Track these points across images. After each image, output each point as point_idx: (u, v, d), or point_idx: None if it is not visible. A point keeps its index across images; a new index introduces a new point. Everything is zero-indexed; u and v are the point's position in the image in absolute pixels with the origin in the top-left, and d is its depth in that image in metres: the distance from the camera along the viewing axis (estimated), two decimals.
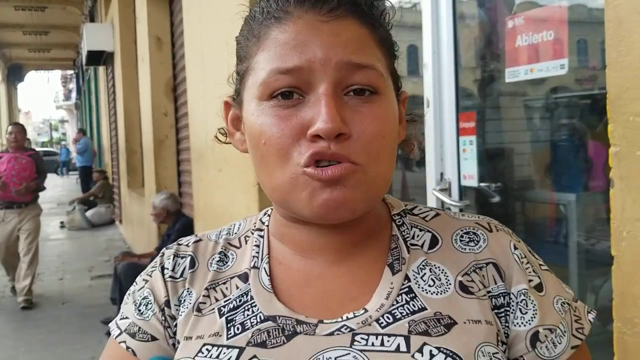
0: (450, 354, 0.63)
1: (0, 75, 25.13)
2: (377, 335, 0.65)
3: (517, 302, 0.69)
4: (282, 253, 0.74)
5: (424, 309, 0.67)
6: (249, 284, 0.72)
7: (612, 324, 1.14)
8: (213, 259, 0.77)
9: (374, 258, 0.72)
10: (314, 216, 0.66)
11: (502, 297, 0.69)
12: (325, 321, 0.67)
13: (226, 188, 3.38)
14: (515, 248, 0.73)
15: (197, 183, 4.31)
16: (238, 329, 0.68)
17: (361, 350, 0.63)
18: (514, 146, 2.54)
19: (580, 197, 2.16)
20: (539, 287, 0.71)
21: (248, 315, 0.69)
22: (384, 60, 0.69)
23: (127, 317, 0.77)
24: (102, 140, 14.68)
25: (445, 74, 2.22)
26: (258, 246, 0.76)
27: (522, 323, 0.69)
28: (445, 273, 0.70)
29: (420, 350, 0.63)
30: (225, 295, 0.72)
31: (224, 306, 0.71)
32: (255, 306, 0.70)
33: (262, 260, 0.74)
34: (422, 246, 0.73)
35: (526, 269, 0.71)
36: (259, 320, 0.68)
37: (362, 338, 0.65)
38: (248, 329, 0.68)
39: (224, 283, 0.74)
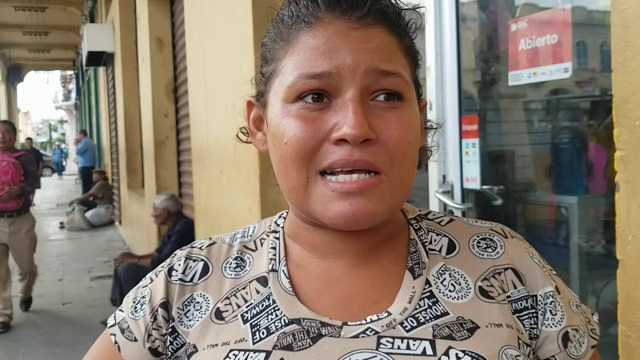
0: (476, 356, 0.64)
1: (0, 76, 25.11)
2: (402, 338, 0.65)
3: (546, 304, 0.71)
4: (300, 255, 0.75)
5: (447, 313, 0.68)
6: (270, 288, 0.72)
7: (615, 327, 1.14)
8: (227, 262, 0.77)
9: (393, 261, 0.72)
10: (332, 225, 0.66)
11: (524, 301, 0.71)
12: (349, 323, 0.67)
13: (227, 189, 3.38)
14: (532, 254, 0.75)
15: (198, 184, 4.31)
16: (263, 333, 0.68)
17: (388, 353, 0.64)
18: (516, 149, 2.54)
19: (581, 200, 2.16)
20: (557, 291, 0.73)
21: (272, 319, 0.69)
22: (408, 68, 0.70)
23: (123, 311, 0.78)
24: (101, 141, 14.68)
25: (448, 77, 2.23)
26: (274, 248, 0.76)
27: (553, 324, 0.71)
28: (465, 278, 0.71)
29: (446, 354, 0.64)
30: (246, 301, 0.72)
31: (246, 312, 0.71)
32: (278, 310, 0.70)
33: (279, 262, 0.74)
34: (440, 251, 0.74)
35: (544, 273, 0.73)
36: (283, 323, 0.68)
37: (387, 341, 0.65)
38: (273, 332, 0.68)
39: (244, 288, 0.74)
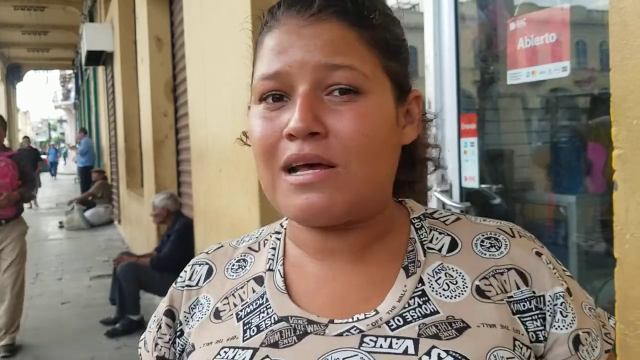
0: (460, 357, 0.63)
1: None
2: (386, 337, 0.65)
3: (555, 305, 0.69)
4: (297, 256, 0.75)
5: (436, 312, 0.67)
6: (265, 287, 0.73)
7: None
8: (230, 264, 0.79)
9: (388, 260, 0.72)
10: (296, 219, 0.68)
11: (528, 302, 0.69)
12: (335, 321, 0.67)
13: (226, 188, 3.38)
14: (540, 254, 0.73)
15: (197, 183, 4.31)
16: (254, 331, 0.69)
17: (369, 352, 0.64)
18: (514, 148, 2.54)
19: (580, 199, 2.16)
20: (568, 292, 0.71)
21: (263, 317, 0.70)
22: (373, 59, 0.68)
23: (148, 326, 0.83)
24: (101, 140, 14.68)
25: (447, 76, 2.23)
26: (274, 248, 0.77)
27: (563, 326, 0.69)
28: (463, 276, 0.70)
29: (428, 354, 0.63)
30: (242, 300, 0.74)
31: (241, 310, 0.73)
32: (270, 308, 0.71)
33: (276, 262, 0.75)
34: (440, 250, 0.73)
35: (554, 274, 0.72)
36: (273, 321, 0.69)
37: (370, 340, 0.65)
38: (263, 330, 0.69)
39: (242, 287, 0.75)
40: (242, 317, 0.72)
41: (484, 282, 0.69)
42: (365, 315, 0.67)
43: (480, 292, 0.69)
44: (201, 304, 0.76)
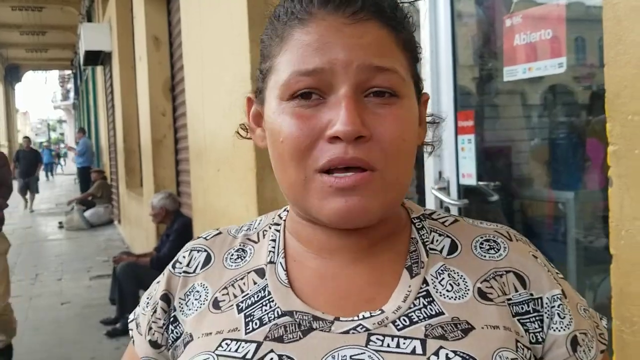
0: (467, 357, 0.63)
1: None
2: (392, 336, 0.65)
3: (553, 307, 0.70)
4: (297, 250, 0.75)
5: (442, 313, 0.67)
6: (266, 279, 0.73)
7: (610, 322, 1.14)
8: (229, 253, 0.78)
9: (391, 260, 0.72)
10: (328, 221, 0.67)
11: (526, 304, 0.70)
12: (341, 319, 0.67)
13: (225, 188, 3.38)
14: (536, 257, 0.74)
15: (195, 183, 4.31)
16: (256, 324, 0.69)
17: (376, 351, 0.64)
18: (512, 144, 2.54)
19: (578, 195, 2.16)
20: (563, 294, 0.72)
21: (266, 310, 0.70)
22: (405, 63, 0.69)
23: (140, 306, 0.82)
24: (100, 140, 14.67)
25: (444, 73, 2.22)
26: (274, 241, 0.77)
27: (561, 328, 0.70)
28: (464, 279, 0.70)
29: (436, 354, 0.63)
30: (243, 291, 0.73)
31: (242, 302, 0.72)
32: (272, 301, 0.70)
33: (278, 255, 0.75)
34: (441, 251, 0.73)
35: (548, 277, 0.72)
36: (276, 315, 0.69)
37: (377, 338, 0.65)
38: (266, 323, 0.68)
39: (242, 278, 0.75)
40: (243, 308, 0.71)
41: (485, 285, 0.70)
42: (371, 313, 0.67)
43: (482, 294, 0.69)
44: (197, 291, 0.75)
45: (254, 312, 0.70)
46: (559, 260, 2.13)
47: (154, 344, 0.78)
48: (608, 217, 1.12)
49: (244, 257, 0.77)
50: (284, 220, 0.79)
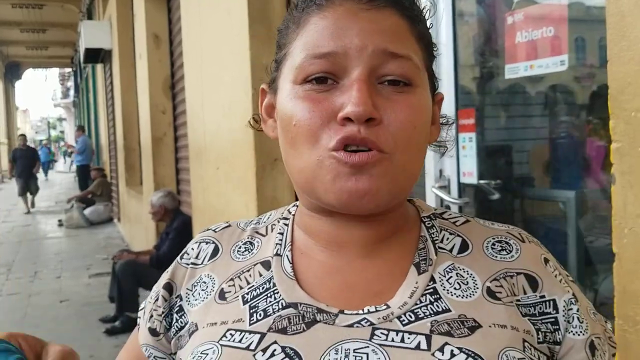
0: (472, 354, 0.62)
1: None
2: (397, 331, 0.64)
3: (570, 310, 0.69)
4: (305, 243, 0.75)
5: (448, 310, 0.66)
6: (272, 271, 0.73)
7: (613, 321, 1.13)
8: (237, 246, 0.79)
9: (399, 256, 0.72)
10: (337, 202, 0.66)
11: (536, 307, 0.69)
12: (346, 312, 0.67)
13: (224, 186, 3.37)
14: (548, 260, 0.73)
15: (195, 181, 4.30)
16: (260, 315, 0.69)
17: (380, 345, 0.63)
18: (513, 143, 2.53)
19: (579, 194, 2.15)
20: (575, 298, 0.71)
21: (270, 302, 0.70)
22: (421, 55, 0.69)
23: (149, 295, 0.83)
24: (100, 138, 14.66)
25: (444, 71, 2.21)
26: (282, 234, 0.77)
27: (580, 332, 0.69)
28: (474, 277, 0.70)
29: (441, 350, 0.62)
30: (248, 283, 0.73)
31: (247, 293, 0.72)
32: (277, 293, 0.70)
33: (284, 247, 0.75)
34: (451, 250, 0.73)
35: (560, 280, 0.72)
36: (280, 306, 0.69)
37: (382, 333, 0.64)
38: (270, 315, 0.68)
39: (248, 270, 0.75)
40: (248, 300, 0.71)
41: (494, 284, 0.69)
42: (376, 308, 0.67)
43: (490, 294, 0.68)
44: (204, 282, 0.76)
45: (258, 303, 0.70)
46: (560, 259, 2.12)
47: (152, 332, 0.79)
48: (609, 216, 1.11)
49: (251, 250, 0.77)
50: (293, 215, 0.79)
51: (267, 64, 0.78)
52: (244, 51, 2.73)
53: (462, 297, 0.68)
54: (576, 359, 0.69)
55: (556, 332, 0.69)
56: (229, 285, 0.74)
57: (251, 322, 0.68)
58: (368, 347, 0.63)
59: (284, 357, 0.63)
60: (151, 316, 0.79)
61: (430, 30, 0.73)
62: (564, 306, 0.69)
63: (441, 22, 2.22)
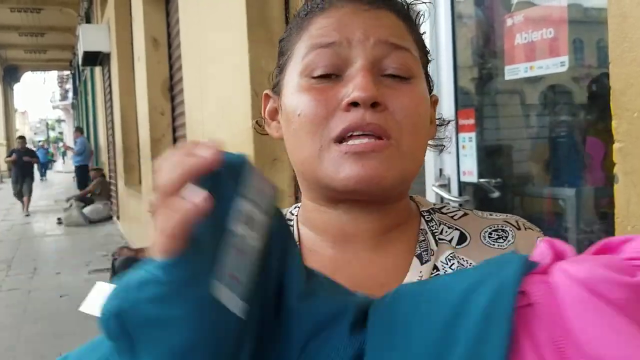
0: None
1: None
2: None
3: None
4: (312, 240, 0.75)
5: None
6: None
7: None
8: None
9: (402, 250, 0.73)
10: (343, 188, 0.66)
11: None
12: None
13: None
14: None
15: None
16: None
17: None
18: (512, 142, 2.54)
19: (579, 192, 2.16)
20: None
21: None
22: (418, 53, 0.72)
23: None
24: (98, 139, 14.65)
25: (444, 71, 2.22)
26: None
27: None
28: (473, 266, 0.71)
29: None
30: None
31: None
32: None
33: None
34: (450, 241, 0.74)
35: None
36: None
37: None
38: None
39: None
40: None
41: None
42: None
43: None
44: None
45: None
46: None
47: None
48: (608, 213, 1.12)
49: None
50: (296, 216, 0.80)
51: (265, 66, 0.80)
52: (243, 53, 2.73)
53: None
54: None
55: None
56: None
57: None
58: None
59: None
60: None
61: (423, 36, 0.76)
62: None
63: (440, 24, 2.23)
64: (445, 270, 0.71)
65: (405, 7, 0.73)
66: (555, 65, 1.76)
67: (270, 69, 0.80)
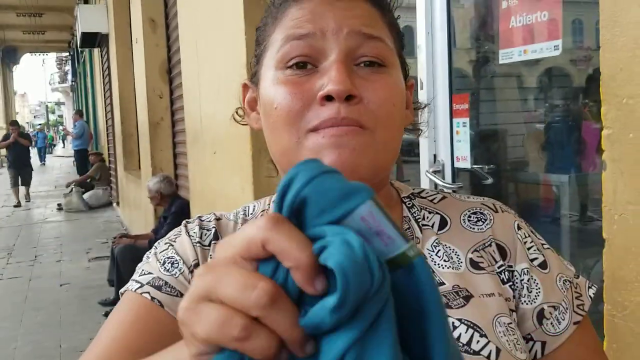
0: (471, 324, 0.65)
1: None
2: None
3: (522, 281, 0.72)
4: None
5: (442, 283, 0.69)
6: None
7: (603, 307, 1.14)
8: None
9: None
10: None
11: (504, 274, 0.72)
12: None
13: (221, 170, 3.37)
14: (519, 228, 0.75)
15: (192, 165, 4.30)
16: None
17: None
18: (506, 127, 2.53)
19: (572, 178, 2.15)
20: (543, 265, 0.73)
21: None
22: (391, 40, 0.72)
23: (150, 273, 0.75)
24: (98, 122, 14.60)
25: (439, 56, 2.20)
26: None
27: (529, 301, 0.72)
28: (456, 252, 0.73)
29: None
30: None
31: None
32: None
33: None
34: (432, 227, 0.75)
35: (529, 248, 0.74)
36: None
37: None
38: None
39: None
40: None
41: (476, 255, 0.72)
42: None
43: (474, 264, 0.71)
44: None
45: None
46: (553, 243, 2.12)
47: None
48: (601, 200, 1.12)
49: None
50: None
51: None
52: (239, 35, 2.71)
53: (451, 269, 0.70)
54: (525, 327, 0.71)
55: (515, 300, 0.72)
56: None
57: None
58: None
59: None
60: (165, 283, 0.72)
61: (398, 20, 0.76)
62: (516, 276, 0.72)
63: (436, 8, 2.20)
64: (432, 257, 0.71)
65: None
66: (549, 49, 1.74)
67: None
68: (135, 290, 0.73)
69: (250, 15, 2.68)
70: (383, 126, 0.67)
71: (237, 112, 0.83)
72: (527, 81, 2.42)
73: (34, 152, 26.93)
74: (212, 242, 0.76)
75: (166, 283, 0.73)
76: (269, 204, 0.81)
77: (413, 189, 0.81)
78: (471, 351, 0.64)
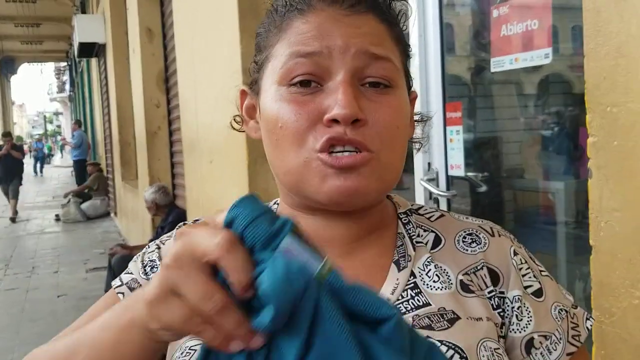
0: (453, 347, 0.64)
1: None
2: None
3: (513, 308, 0.70)
4: None
5: (428, 304, 0.68)
6: None
7: (591, 313, 1.15)
8: None
9: (378, 254, 0.73)
10: (327, 201, 0.67)
11: (494, 300, 0.70)
12: None
13: (218, 179, 3.38)
14: (515, 254, 0.74)
15: (189, 175, 4.30)
16: None
17: None
18: (500, 135, 2.54)
19: (568, 185, 2.16)
20: (538, 293, 0.72)
21: None
22: (399, 57, 0.71)
23: (131, 273, 0.78)
24: (96, 132, 14.61)
25: (432, 65, 2.21)
26: None
27: (517, 330, 0.70)
28: (447, 272, 0.71)
29: None
30: None
31: None
32: None
33: None
34: (425, 244, 0.74)
35: (525, 274, 0.72)
36: None
37: None
38: None
39: None
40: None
41: (466, 278, 0.71)
42: None
43: (464, 287, 0.70)
44: None
45: None
46: (549, 250, 2.13)
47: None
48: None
49: None
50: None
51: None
52: (235, 45, 2.73)
53: (440, 290, 0.69)
54: (513, 355, 0.70)
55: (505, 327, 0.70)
56: None
57: None
58: None
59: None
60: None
61: (404, 32, 0.75)
62: (507, 302, 0.70)
63: (428, 18, 2.22)
64: (422, 277, 0.70)
65: (386, 6, 0.72)
66: (540, 57, 1.76)
67: None
68: (115, 287, 0.78)
69: (246, 25, 2.69)
70: (388, 148, 0.67)
71: (234, 120, 0.82)
72: (522, 88, 2.43)
73: (32, 163, 26.79)
74: None
75: (140, 287, 0.75)
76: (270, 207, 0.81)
77: (412, 205, 0.80)
78: None
